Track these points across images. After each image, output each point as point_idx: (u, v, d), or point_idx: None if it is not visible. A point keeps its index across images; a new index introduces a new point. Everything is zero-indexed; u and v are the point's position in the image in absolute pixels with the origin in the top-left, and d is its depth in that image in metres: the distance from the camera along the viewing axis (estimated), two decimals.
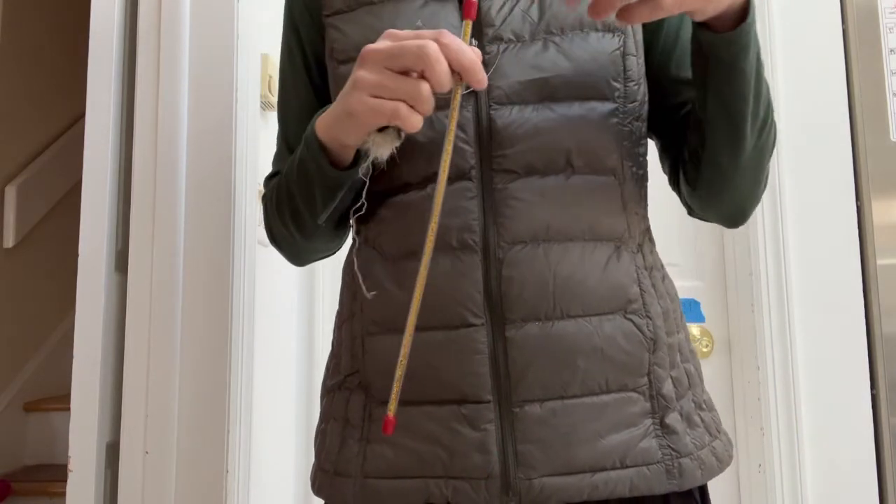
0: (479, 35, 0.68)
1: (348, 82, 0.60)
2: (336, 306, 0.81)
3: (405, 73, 0.57)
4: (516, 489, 0.65)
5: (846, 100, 1.41)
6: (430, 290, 0.64)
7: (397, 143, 0.62)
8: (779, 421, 1.35)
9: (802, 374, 1.36)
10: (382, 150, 0.62)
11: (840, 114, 1.41)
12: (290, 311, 1.43)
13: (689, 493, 0.70)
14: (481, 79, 0.57)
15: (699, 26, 0.63)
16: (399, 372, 0.59)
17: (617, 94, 0.69)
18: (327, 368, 0.78)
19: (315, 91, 0.81)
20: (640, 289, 0.69)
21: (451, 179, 0.67)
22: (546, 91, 0.67)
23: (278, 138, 0.85)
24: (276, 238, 0.80)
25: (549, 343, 0.65)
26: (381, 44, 0.58)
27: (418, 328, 0.63)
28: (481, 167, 0.67)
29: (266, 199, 0.80)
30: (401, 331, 0.60)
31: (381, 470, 0.68)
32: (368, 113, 0.58)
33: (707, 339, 1.48)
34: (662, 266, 0.75)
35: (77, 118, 2.76)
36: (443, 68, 0.55)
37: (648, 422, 0.67)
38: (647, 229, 0.75)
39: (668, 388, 0.69)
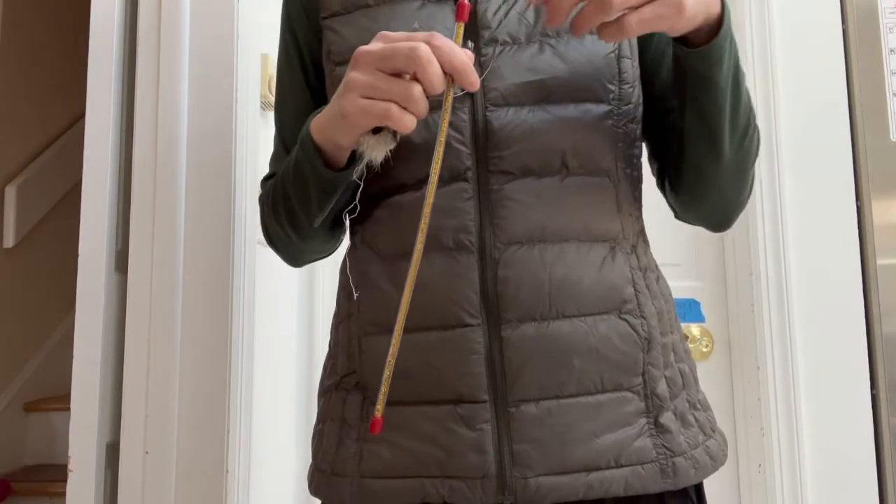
0: (475, 37, 0.69)
1: (341, 84, 0.61)
2: None
3: (398, 74, 0.57)
4: (512, 488, 0.65)
5: (846, 100, 1.41)
6: (427, 290, 0.65)
7: (392, 146, 0.63)
8: (779, 421, 1.35)
9: (802, 374, 1.36)
10: (376, 152, 0.62)
11: (840, 114, 1.41)
12: (290, 311, 1.43)
13: (685, 491, 0.70)
14: (473, 81, 0.57)
15: (675, 40, 0.65)
16: (387, 372, 0.60)
17: (612, 96, 0.69)
18: (324, 369, 0.79)
19: (312, 93, 0.81)
20: (635, 289, 0.69)
21: (448, 180, 0.67)
22: (542, 93, 0.68)
23: (275, 140, 0.85)
24: (272, 239, 0.81)
25: (544, 343, 0.66)
26: (374, 46, 0.59)
27: (415, 328, 0.63)
28: (477, 168, 0.67)
29: (262, 200, 0.81)
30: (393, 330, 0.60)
31: (378, 470, 0.68)
32: (359, 114, 0.59)
33: (707, 339, 1.48)
34: (657, 267, 0.76)
35: (77, 118, 2.76)
36: (434, 70, 0.56)
37: (643, 421, 0.68)
38: (642, 230, 0.76)
39: (662, 387, 0.69)
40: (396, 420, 0.67)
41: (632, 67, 0.71)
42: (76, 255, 1.12)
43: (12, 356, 2.45)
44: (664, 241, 1.48)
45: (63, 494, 1.08)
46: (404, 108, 0.57)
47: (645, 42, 0.75)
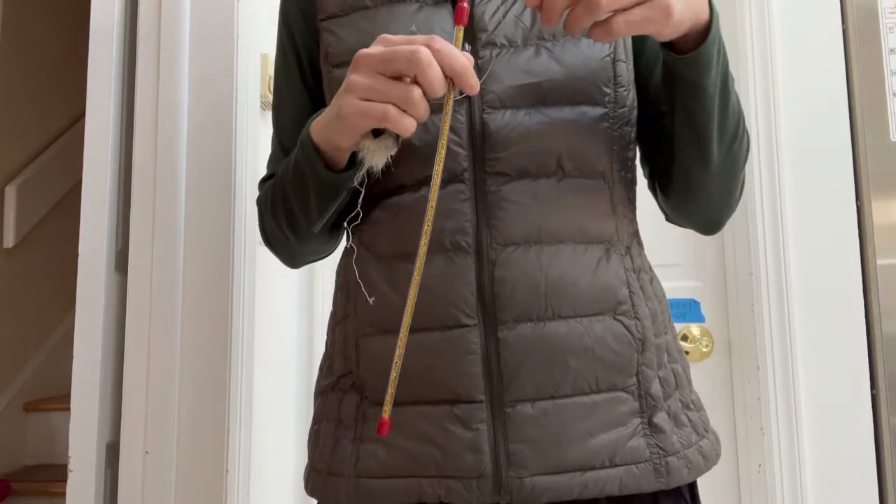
0: (472, 40, 0.69)
1: (342, 86, 0.61)
2: None
3: (398, 77, 0.58)
4: (508, 488, 0.65)
5: (846, 100, 1.41)
6: (424, 291, 0.65)
7: (393, 151, 0.63)
8: (779, 421, 1.35)
9: (802, 374, 1.36)
10: (377, 157, 0.62)
11: (840, 114, 1.41)
12: (290, 311, 1.43)
13: (678, 490, 0.71)
14: (473, 84, 0.58)
15: (664, 46, 0.65)
16: (394, 373, 0.60)
17: (607, 99, 0.70)
18: (320, 369, 0.79)
19: (309, 94, 0.82)
20: (629, 290, 0.70)
21: (445, 182, 0.67)
22: (538, 95, 0.68)
23: (273, 141, 0.85)
24: (270, 240, 0.81)
25: (540, 343, 0.66)
26: (374, 48, 0.59)
27: (413, 329, 0.64)
28: (474, 170, 0.68)
29: (260, 202, 0.81)
30: (395, 332, 0.61)
31: (374, 470, 0.68)
32: (358, 115, 0.59)
33: (707, 339, 1.48)
34: (651, 268, 0.77)
35: (77, 118, 2.76)
36: (435, 73, 0.56)
37: (637, 421, 0.68)
38: (636, 232, 0.76)
39: (655, 387, 0.70)
40: (393, 420, 0.67)
41: (626, 71, 0.71)
42: (76, 255, 1.12)
43: (12, 356, 2.45)
44: (664, 242, 1.48)
45: (63, 494, 1.08)
46: (404, 111, 0.57)
47: (639, 46, 0.76)
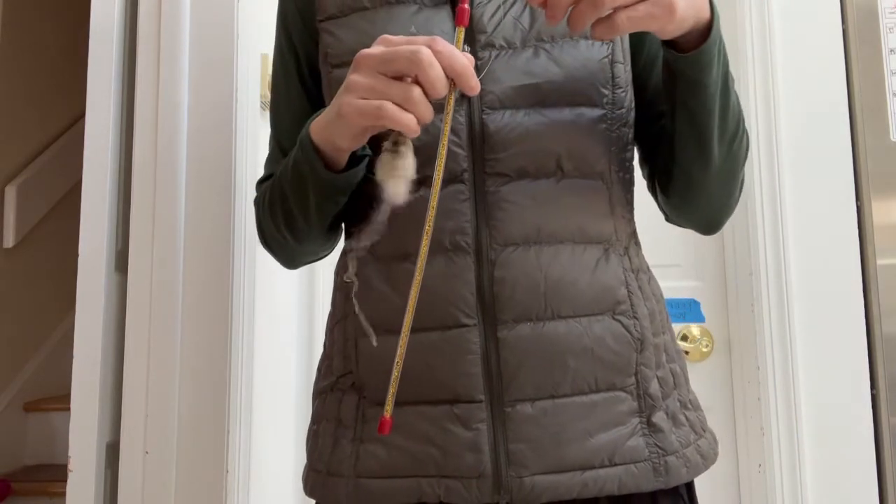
0: (471, 41, 0.69)
1: (342, 86, 0.61)
2: None
3: (399, 78, 0.57)
4: (508, 488, 0.65)
5: (846, 100, 1.41)
6: (424, 291, 0.65)
7: (408, 171, 0.60)
8: (779, 421, 1.35)
9: (802, 374, 1.36)
10: (386, 170, 0.60)
11: (840, 114, 1.41)
12: (290, 311, 1.43)
13: (676, 490, 0.71)
14: (474, 85, 0.58)
15: (665, 44, 0.66)
16: (395, 373, 0.60)
17: (605, 100, 0.70)
18: (319, 370, 0.79)
19: (308, 95, 0.81)
20: (628, 290, 0.70)
21: (444, 182, 0.67)
22: (537, 96, 0.68)
23: (271, 142, 0.85)
24: (268, 241, 0.81)
25: (540, 343, 0.66)
26: (375, 49, 0.59)
27: (413, 329, 0.63)
28: (474, 170, 0.68)
29: (258, 202, 0.81)
30: (394, 332, 0.61)
31: (374, 470, 0.68)
32: (355, 113, 0.59)
33: (707, 339, 1.48)
34: (648, 269, 0.77)
35: (77, 118, 2.76)
36: (436, 73, 0.56)
37: (636, 420, 0.68)
38: (634, 232, 0.77)
39: (654, 387, 0.70)
40: (394, 420, 0.67)
41: (624, 72, 0.72)
42: (76, 255, 1.12)
43: (12, 356, 2.45)
44: (664, 242, 1.48)
45: (63, 494, 1.08)
46: (405, 110, 0.57)
47: (637, 47, 0.76)
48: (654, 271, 0.79)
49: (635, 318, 0.70)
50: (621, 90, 0.71)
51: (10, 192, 2.46)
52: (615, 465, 0.66)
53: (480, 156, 0.68)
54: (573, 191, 0.69)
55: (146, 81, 1.15)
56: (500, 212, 0.67)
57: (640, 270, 0.74)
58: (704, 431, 0.74)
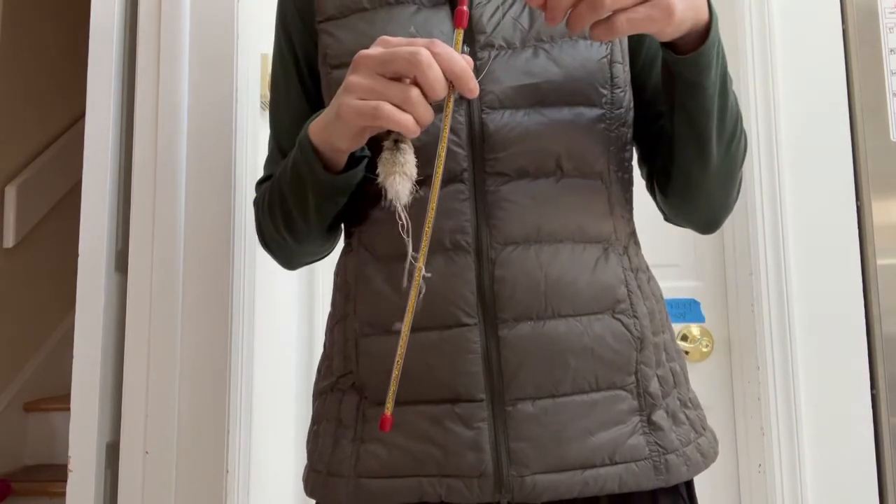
0: (470, 41, 0.70)
1: (341, 87, 0.61)
2: None
3: (398, 79, 0.58)
4: (509, 486, 0.65)
5: (846, 100, 1.41)
6: (425, 290, 0.65)
7: (410, 169, 0.60)
8: (779, 421, 1.35)
9: (802, 374, 1.36)
10: (388, 168, 0.60)
11: (840, 114, 1.41)
12: (290, 311, 1.43)
13: (676, 489, 0.71)
14: (473, 87, 0.58)
15: (664, 46, 0.66)
16: (396, 371, 0.60)
17: (604, 100, 0.70)
18: (319, 370, 0.79)
19: (307, 96, 0.82)
20: (628, 289, 0.70)
21: (444, 182, 0.67)
22: (537, 96, 0.68)
23: (270, 143, 0.86)
24: (267, 242, 0.81)
25: (540, 342, 0.66)
26: (374, 50, 0.59)
27: (414, 328, 0.64)
28: (474, 170, 0.68)
29: (258, 203, 0.81)
30: (395, 332, 0.61)
31: (375, 469, 0.68)
32: (353, 114, 0.59)
33: (707, 339, 1.48)
34: (648, 268, 0.77)
35: (77, 118, 2.76)
36: (435, 74, 0.56)
37: (636, 419, 0.69)
38: (633, 232, 0.77)
39: (654, 386, 0.70)
40: (394, 419, 0.67)
41: (623, 72, 0.72)
42: (76, 255, 1.12)
43: (12, 356, 2.45)
44: (664, 242, 1.48)
45: (63, 494, 1.08)
46: (403, 111, 0.57)
47: (636, 48, 0.76)
48: (654, 271, 0.79)
49: (635, 316, 0.70)
50: (620, 90, 0.71)
51: (10, 192, 2.46)
52: (616, 463, 0.67)
53: (480, 155, 0.68)
54: (573, 190, 0.69)
55: (146, 81, 1.15)
56: (500, 211, 0.68)
57: (640, 270, 0.74)
58: (705, 430, 0.75)
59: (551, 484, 0.65)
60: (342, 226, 0.79)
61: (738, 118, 0.71)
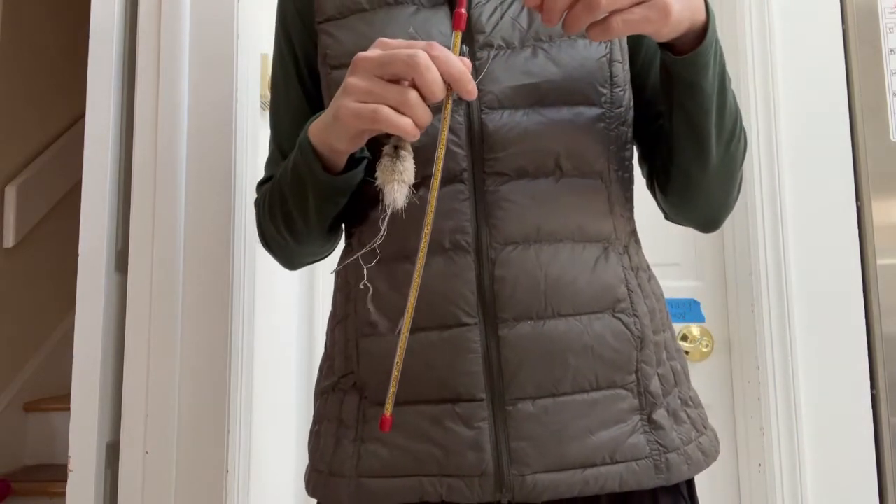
0: (469, 41, 0.70)
1: (339, 89, 0.61)
2: None
3: (396, 81, 0.58)
4: (510, 486, 0.65)
5: (846, 100, 1.41)
6: (424, 290, 0.65)
7: (408, 175, 0.60)
8: (779, 421, 1.35)
9: (802, 374, 1.36)
10: (387, 175, 0.60)
11: (840, 114, 1.41)
12: (290, 311, 1.43)
13: (677, 488, 0.71)
14: (471, 90, 0.58)
15: (662, 47, 0.66)
16: (395, 372, 0.60)
17: (604, 99, 0.70)
18: (320, 370, 0.79)
19: (307, 97, 0.82)
20: (628, 289, 0.70)
21: (444, 182, 0.67)
22: (536, 96, 0.68)
23: (271, 144, 0.86)
24: (268, 242, 0.81)
25: (540, 341, 0.66)
26: (372, 52, 0.59)
27: (414, 328, 0.64)
28: (473, 170, 0.68)
29: (259, 204, 0.81)
30: (395, 332, 0.61)
31: (376, 469, 0.69)
32: (351, 116, 0.59)
33: (707, 339, 1.48)
34: (648, 267, 0.77)
35: (77, 118, 2.76)
36: (433, 76, 0.56)
37: (636, 418, 0.69)
38: (633, 231, 0.77)
39: (655, 385, 0.70)
40: (395, 419, 0.67)
41: (622, 71, 0.72)
42: (76, 255, 1.12)
43: (12, 356, 2.45)
44: (664, 241, 1.48)
45: (63, 494, 1.08)
46: (402, 113, 0.57)
47: (636, 47, 0.76)
48: (654, 270, 0.79)
49: (635, 315, 0.70)
50: (619, 89, 0.71)
51: (10, 192, 2.46)
52: (616, 462, 0.67)
53: (480, 155, 0.68)
54: (572, 190, 0.69)
55: (146, 81, 1.15)
56: (500, 211, 0.68)
57: (640, 269, 0.74)
58: (706, 428, 0.75)
59: (552, 483, 0.65)
60: (343, 226, 0.79)
61: (737, 117, 0.71)
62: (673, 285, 1.49)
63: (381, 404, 0.63)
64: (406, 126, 0.57)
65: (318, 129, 0.66)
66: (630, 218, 0.76)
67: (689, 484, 0.74)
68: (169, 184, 1.13)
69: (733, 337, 1.49)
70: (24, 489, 2.16)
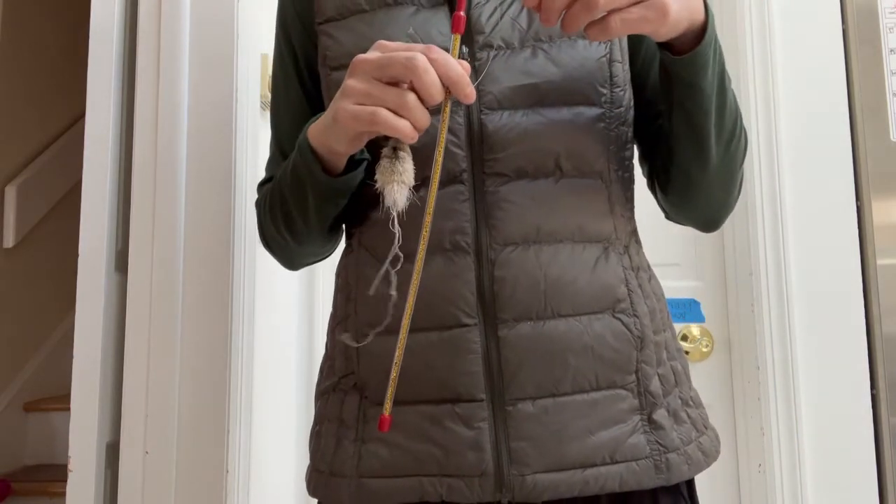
0: (469, 42, 0.70)
1: (338, 91, 0.61)
2: None
3: (395, 83, 0.58)
4: (510, 486, 0.66)
5: (846, 100, 1.41)
6: (424, 291, 0.65)
7: (408, 177, 0.60)
8: (779, 421, 1.35)
9: (802, 374, 1.36)
10: (386, 176, 0.60)
11: (840, 114, 1.41)
12: (290, 311, 1.43)
13: (677, 488, 0.71)
14: (469, 93, 0.58)
15: (661, 47, 0.66)
16: (394, 373, 0.60)
17: (604, 99, 0.70)
18: (321, 371, 0.79)
19: (307, 97, 0.82)
20: (628, 289, 0.70)
21: (444, 183, 0.68)
22: (536, 96, 0.68)
23: (271, 145, 0.86)
24: (268, 243, 0.81)
25: (540, 342, 0.66)
26: (371, 54, 0.60)
27: (414, 329, 0.64)
28: (473, 170, 0.68)
29: (259, 204, 0.81)
30: (395, 332, 0.61)
31: (376, 469, 0.69)
32: (350, 119, 0.59)
33: (707, 339, 1.48)
34: (649, 267, 0.77)
35: (77, 118, 2.76)
36: (431, 79, 0.56)
37: (637, 418, 0.69)
38: (634, 231, 0.77)
39: (655, 384, 0.70)
40: (394, 419, 0.67)
41: (622, 71, 0.72)
42: (76, 255, 1.12)
43: (12, 356, 2.45)
44: (664, 241, 1.48)
45: (63, 494, 1.08)
46: (400, 116, 0.57)
47: (636, 47, 0.76)
48: (654, 270, 0.79)
49: (635, 315, 0.70)
50: (619, 89, 0.71)
51: (10, 192, 2.46)
52: (616, 462, 0.67)
53: (479, 156, 0.68)
54: (572, 190, 0.69)
55: (146, 81, 1.15)
56: (500, 211, 0.68)
57: (641, 269, 0.74)
58: (706, 428, 0.75)
59: (552, 483, 0.65)
60: (343, 227, 0.80)
61: (737, 117, 0.71)
62: (673, 285, 1.49)
63: (382, 404, 0.64)
64: (404, 128, 0.58)
65: (317, 131, 0.66)
66: (630, 218, 0.76)
67: (690, 484, 0.74)
68: (169, 184, 1.13)
69: (733, 337, 1.49)
70: (24, 489, 2.16)
